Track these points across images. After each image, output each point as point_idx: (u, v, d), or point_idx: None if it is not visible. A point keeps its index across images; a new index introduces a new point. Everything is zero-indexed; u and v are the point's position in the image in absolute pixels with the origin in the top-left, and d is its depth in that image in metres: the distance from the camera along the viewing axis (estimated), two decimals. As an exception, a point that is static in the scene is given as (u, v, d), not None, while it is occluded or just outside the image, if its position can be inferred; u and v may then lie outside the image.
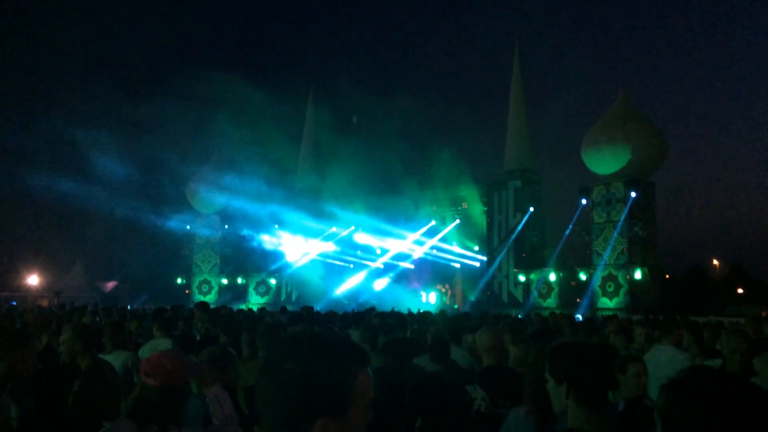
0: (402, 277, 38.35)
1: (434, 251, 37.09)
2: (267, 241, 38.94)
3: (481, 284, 34.97)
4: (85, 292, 42.92)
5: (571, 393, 2.24)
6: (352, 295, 37.16)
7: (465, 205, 36.23)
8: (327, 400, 1.33)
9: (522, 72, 36.57)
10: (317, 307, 20.95)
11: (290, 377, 1.33)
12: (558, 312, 18.19)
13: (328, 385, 1.33)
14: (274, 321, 9.89)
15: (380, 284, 38.01)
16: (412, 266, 38.16)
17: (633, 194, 29.76)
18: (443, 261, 36.89)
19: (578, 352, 2.32)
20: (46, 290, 44.91)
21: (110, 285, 49.08)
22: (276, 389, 1.34)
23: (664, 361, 5.42)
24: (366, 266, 38.20)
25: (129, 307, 26.94)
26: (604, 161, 30.42)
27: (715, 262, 55.29)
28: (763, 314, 25.04)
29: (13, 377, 3.49)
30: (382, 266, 38.17)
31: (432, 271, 37.96)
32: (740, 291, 49.69)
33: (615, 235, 30.19)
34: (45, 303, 35.20)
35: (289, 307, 28.52)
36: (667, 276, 45.47)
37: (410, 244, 37.03)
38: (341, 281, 38.27)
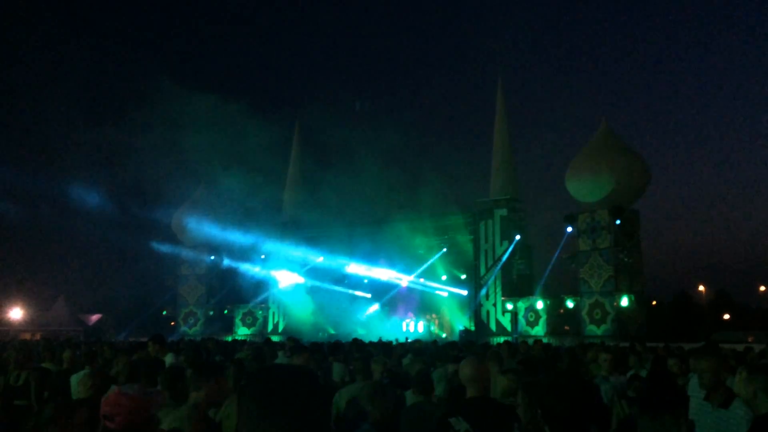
0: (389, 306, 38.21)
1: (421, 280, 37.05)
2: (253, 271, 38.70)
3: (469, 313, 34.89)
4: (69, 325, 42.35)
5: (546, 423, 2.30)
6: (339, 324, 36.94)
7: (452, 234, 36.29)
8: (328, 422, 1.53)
9: (506, 102, 37.08)
10: (305, 338, 20.78)
11: (307, 403, 1.48)
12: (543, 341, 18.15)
13: (329, 410, 1.53)
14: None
15: (368, 312, 37.84)
16: (400, 295, 38.03)
17: (617, 222, 30.00)
18: (430, 290, 36.84)
19: (551, 384, 2.38)
20: (29, 324, 44.25)
21: (94, 318, 48.41)
22: (292, 415, 1.45)
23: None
24: (353, 296, 38.03)
25: (113, 340, 26.61)
26: (588, 190, 30.70)
27: (701, 288, 55.55)
28: (750, 340, 25.19)
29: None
30: (369, 296, 38.02)
31: (419, 300, 37.87)
32: (726, 317, 49.92)
33: (601, 262, 30.34)
34: (27, 337, 34.69)
35: (276, 338, 28.30)
36: (654, 302, 45.69)
37: (397, 273, 36.97)
38: (328, 311, 38.00)
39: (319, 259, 37.81)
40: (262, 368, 1.60)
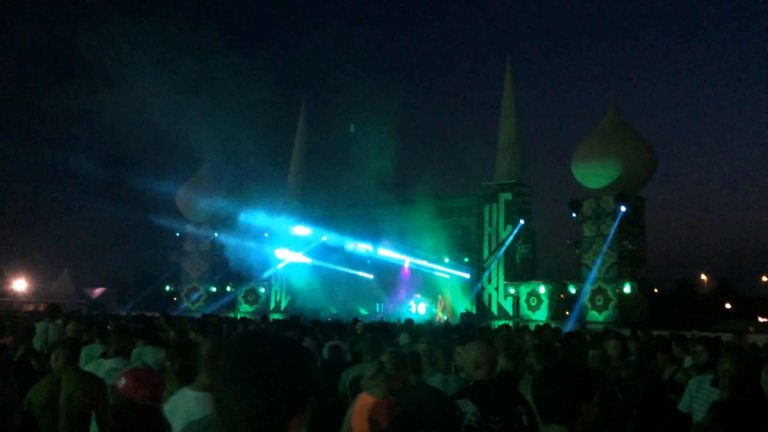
0: (391, 288, 38.27)
1: (424, 262, 37.04)
2: (257, 248, 38.72)
3: (471, 296, 34.93)
4: (72, 298, 42.62)
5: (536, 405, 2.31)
6: (342, 303, 37.07)
7: (456, 217, 36.20)
8: (303, 397, 1.39)
9: (514, 86, 36.70)
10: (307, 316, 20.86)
11: (278, 373, 1.35)
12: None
13: (307, 383, 1.41)
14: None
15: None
16: (402, 276, 38.07)
17: (623, 208, 29.90)
18: (432, 272, 36.84)
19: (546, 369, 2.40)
20: (33, 296, 44.55)
21: (97, 291, 48.72)
22: (258, 384, 1.35)
23: None
24: (356, 276, 38.09)
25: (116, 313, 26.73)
26: (594, 175, 30.58)
27: (703, 276, 55.55)
28: (752, 330, 25.25)
29: None
30: (371, 276, 38.09)
31: (421, 282, 37.91)
32: (728, 306, 49.96)
33: (604, 248, 30.29)
34: (31, 308, 34.92)
35: (278, 316, 28.45)
36: (656, 290, 45.69)
37: (400, 254, 36.95)
38: (331, 290, 38.11)
39: (323, 238, 37.80)
40: (248, 333, 1.57)
